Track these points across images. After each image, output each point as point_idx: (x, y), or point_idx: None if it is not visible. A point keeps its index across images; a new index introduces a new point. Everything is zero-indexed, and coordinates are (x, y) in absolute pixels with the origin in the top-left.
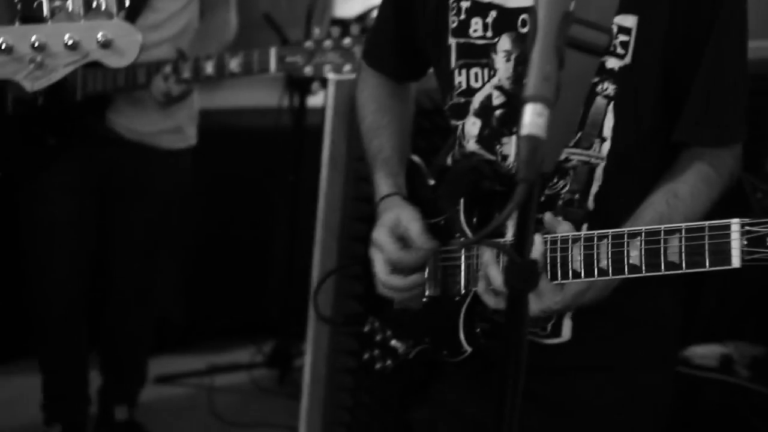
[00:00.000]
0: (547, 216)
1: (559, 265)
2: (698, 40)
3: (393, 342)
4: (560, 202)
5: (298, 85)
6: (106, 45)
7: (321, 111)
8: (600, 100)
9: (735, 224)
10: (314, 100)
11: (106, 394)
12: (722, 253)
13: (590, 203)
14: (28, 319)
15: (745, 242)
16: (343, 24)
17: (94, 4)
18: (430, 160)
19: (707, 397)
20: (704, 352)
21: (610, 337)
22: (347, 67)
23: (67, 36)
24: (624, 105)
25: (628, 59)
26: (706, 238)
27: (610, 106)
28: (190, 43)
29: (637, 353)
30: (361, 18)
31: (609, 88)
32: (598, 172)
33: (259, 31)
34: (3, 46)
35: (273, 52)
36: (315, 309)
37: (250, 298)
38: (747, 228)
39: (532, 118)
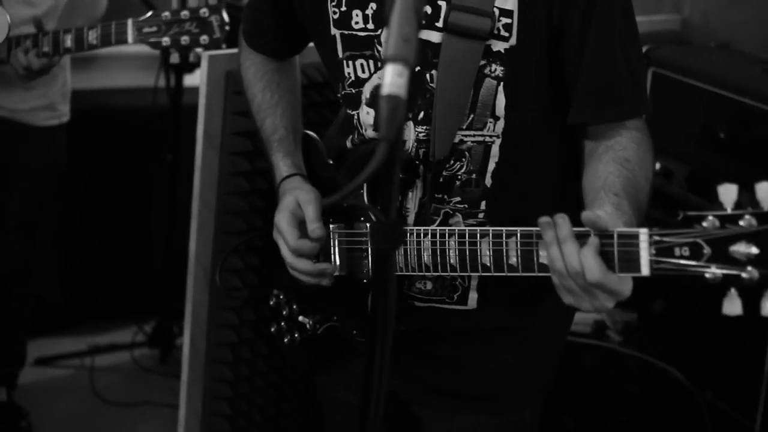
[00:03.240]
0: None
1: (468, 258)
2: (581, 17)
3: (300, 318)
4: (458, 183)
5: (174, 64)
6: None
7: (198, 90)
8: (489, 82)
9: (644, 234)
10: (191, 80)
11: None
12: (631, 261)
13: (488, 181)
14: None
15: (654, 252)
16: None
17: None
18: (322, 133)
19: (582, 361)
20: (578, 318)
21: (515, 304)
22: (204, 38)
23: None
24: (514, 85)
25: (513, 41)
26: (615, 245)
27: (500, 87)
28: (60, 18)
29: (539, 315)
30: None
31: (497, 69)
32: (494, 150)
33: (134, 11)
34: None
35: (130, 23)
36: (219, 282)
37: (130, 277)
38: (656, 238)
39: (393, 78)
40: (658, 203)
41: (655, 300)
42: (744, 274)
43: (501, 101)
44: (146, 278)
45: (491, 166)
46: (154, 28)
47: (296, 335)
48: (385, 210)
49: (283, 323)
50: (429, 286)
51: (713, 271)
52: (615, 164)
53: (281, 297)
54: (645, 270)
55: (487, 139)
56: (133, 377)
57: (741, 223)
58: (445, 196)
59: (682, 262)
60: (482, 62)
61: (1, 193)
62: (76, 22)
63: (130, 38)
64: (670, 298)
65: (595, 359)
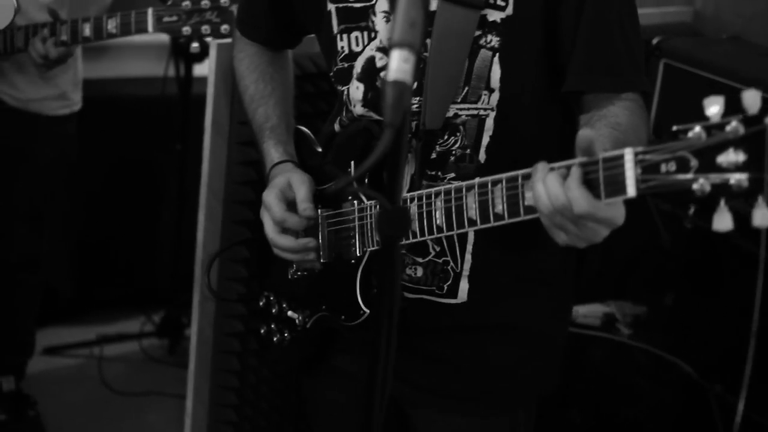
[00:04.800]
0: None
1: (454, 215)
2: None
3: (289, 313)
4: (452, 158)
5: (184, 54)
6: None
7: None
8: (485, 53)
9: (629, 153)
10: (200, 69)
11: None
12: (617, 183)
13: (482, 156)
14: None
15: (640, 171)
16: None
17: None
18: (316, 124)
19: (591, 354)
20: (587, 311)
21: (506, 297)
22: (225, 27)
23: None
24: (510, 55)
25: (509, 10)
26: (601, 170)
27: (496, 58)
28: (70, 6)
29: (531, 311)
30: None
31: (493, 40)
32: (489, 124)
33: (144, 1)
34: None
35: (150, 12)
36: (208, 287)
37: (139, 267)
38: (641, 156)
39: (399, 63)
40: (670, 195)
41: (666, 293)
42: (732, 181)
43: (496, 73)
44: (155, 268)
45: (485, 140)
46: (175, 18)
47: (286, 334)
48: (391, 197)
49: (272, 324)
50: (419, 272)
51: (701, 182)
52: (606, 128)
53: (271, 298)
54: (631, 190)
55: (482, 112)
56: (141, 367)
57: (727, 129)
58: (439, 173)
59: (669, 178)
60: (477, 33)
61: (11, 183)
62: (86, 10)
63: (150, 27)
64: (681, 292)
65: (604, 352)
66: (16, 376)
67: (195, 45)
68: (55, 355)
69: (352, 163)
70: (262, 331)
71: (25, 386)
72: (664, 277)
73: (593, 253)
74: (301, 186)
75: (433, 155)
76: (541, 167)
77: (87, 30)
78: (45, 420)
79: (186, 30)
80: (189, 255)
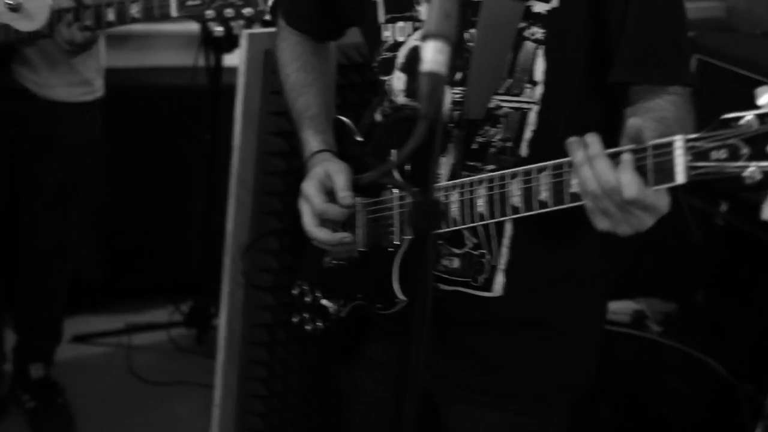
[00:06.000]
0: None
1: (497, 202)
2: None
3: (323, 302)
4: (492, 150)
5: (214, 44)
6: (15, 9)
7: (236, 70)
8: (529, 45)
9: (678, 140)
10: (230, 59)
11: (21, 352)
12: (665, 170)
13: (523, 150)
14: None
15: (690, 158)
16: None
17: None
18: (361, 114)
19: (620, 351)
20: (617, 308)
21: (542, 293)
22: (248, 10)
23: None
24: (554, 48)
25: (555, 2)
26: (650, 156)
27: (540, 50)
28: None
29: (567, 309)
30: None
31: (538, 32)
32: (531, 117)
33: None
34: None
35: None
36: (244, 274)
37: (168, 256)
38: (691, 144)
39: (433, 55)
40: (702, 191)
41: (696, 291)
42: None
43: (540, 66)
44: (184, 258)
45: (527, 134)
46: (198, 1)
47: (319, 323)
48: (425, 189)
49: (305, 313)
50: (456, 263)
51: (751, 170)
52: (652, 122)
53: (304, 287)
54: (680, 177)
55: (524, 105)
56: (169, 356)
57: None
58: (479, 164)
59: (720, 165)
60: (522, 24)
61: (37, 170)
62: None
63: (173, 11)
64: (711, 289)
65: (633, 350)
66: (44, 363)
67: (219, 29)
68: (83, 343)
69: (393, 152)
70: (295, 320)
71: (53, 374)
72: (695, 275)
73: (625, 251)
74: (339, 174)
75: (474, 146)
76: (579, 152)
77: (111, 15)
78: (73, 408)
79: (209, 13)
80: (218, 245)
